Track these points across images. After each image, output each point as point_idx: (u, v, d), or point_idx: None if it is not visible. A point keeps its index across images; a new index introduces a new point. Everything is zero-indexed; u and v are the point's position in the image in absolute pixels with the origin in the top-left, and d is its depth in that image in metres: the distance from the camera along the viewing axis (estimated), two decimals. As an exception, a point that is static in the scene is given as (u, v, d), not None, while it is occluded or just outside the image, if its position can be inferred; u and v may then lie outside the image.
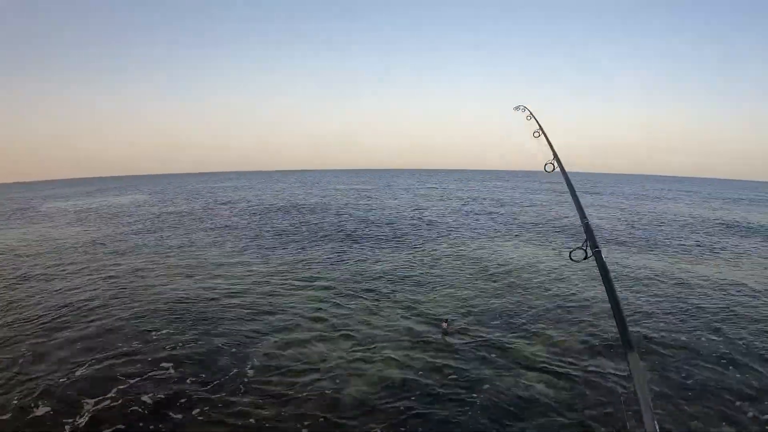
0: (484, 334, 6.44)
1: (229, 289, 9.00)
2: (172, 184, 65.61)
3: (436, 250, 12.74)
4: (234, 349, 6.09)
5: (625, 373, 5.07)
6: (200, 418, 4.48)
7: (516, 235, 15.36)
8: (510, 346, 6.04)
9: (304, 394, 4.87)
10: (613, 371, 5.29)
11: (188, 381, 5.21)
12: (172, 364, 5.63)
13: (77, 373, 5.34)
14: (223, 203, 29.61)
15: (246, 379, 5.22)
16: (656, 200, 33.35)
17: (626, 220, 19.77)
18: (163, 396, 4.85)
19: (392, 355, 5.77)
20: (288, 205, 26.60)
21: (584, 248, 2.01)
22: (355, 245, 13.44)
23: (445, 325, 6.48)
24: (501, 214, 21.64)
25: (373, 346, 6.11)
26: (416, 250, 12.76)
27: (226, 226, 18.18)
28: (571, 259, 2.06)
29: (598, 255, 1.95)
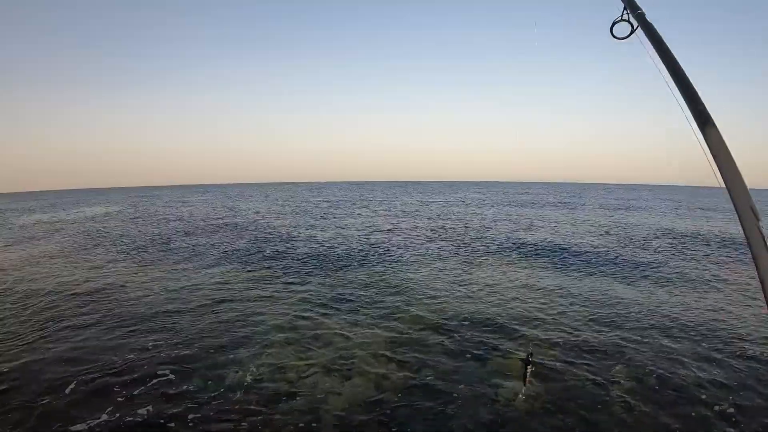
0: (462, 343, 6.42)
1: (202, 303, 8.74)
2: (146, 196, 64.13)
3: (408, 263, 12.69)
4: (209, 365, 5.88)
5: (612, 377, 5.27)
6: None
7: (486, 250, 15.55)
8: (490, 355, 6.01)
9: (282, 411, 4.74)
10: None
11: (158, 400, 4.97)
12: (140, 384, 5.38)
13: (66, 391, 5.19)
14: (194, 216, 28.99)
15: (221, 398, 5.02)
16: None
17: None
18: (130, 418, 4.62)
19: (371, 370, 5.67)
20: (258, 219, 26.15)
21: (626, 18, 1.62)
22: (327, 258, 13.33)
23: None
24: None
25: (351, 359, 6.00)
26: (388, 262, 12.70)
27: (197, 239, 17.73)
28: (613, 35, 1.74)
29: (641, 19, 1.54)
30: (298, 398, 5.01)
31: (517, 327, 7.13)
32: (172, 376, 5.54)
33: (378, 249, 14.86)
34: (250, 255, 13.98)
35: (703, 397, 4.99)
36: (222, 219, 26.54)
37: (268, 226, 21.90)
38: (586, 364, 5.81)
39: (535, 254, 13.93)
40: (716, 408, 4.75)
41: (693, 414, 4.67)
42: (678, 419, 4.56)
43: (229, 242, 16.79)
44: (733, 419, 4.56)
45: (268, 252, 14.49)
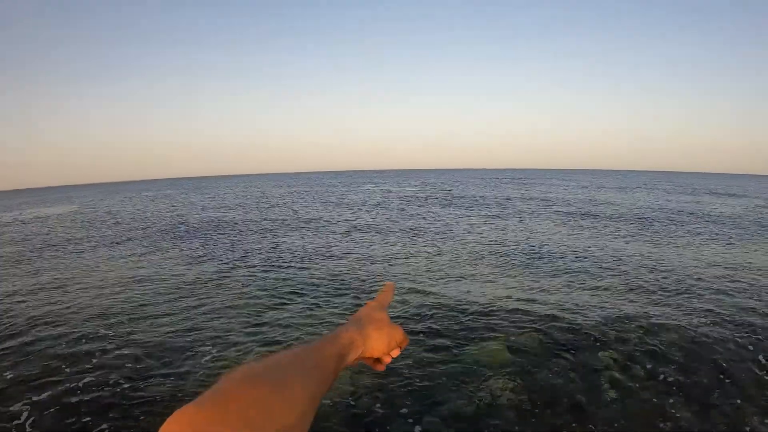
0: (437, 335, 6.16)
1: (157, 301, 8.22)
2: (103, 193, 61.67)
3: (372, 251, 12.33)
4: (166, 364, 5.51)
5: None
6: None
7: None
8: (468, 345, 5.78)
9: None
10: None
11: (114, 404, 4.61)
12: (97, 383, 5.05)
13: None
14: (150, 212, 27.51)
15: (178, 403, 4.51)
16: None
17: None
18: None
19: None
20: (215, 214, 25.05)
21: None
22: (287, 251, 12.80)
23: None
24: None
25: None
26: (357, 252, 12.28)
27: (148, 236, 16.82)
28: None
29: None
30: None
31: (493, 316, 6.94)
32: (124, 384, 5.06)
33: (339, 237, 14.40)
34: (203, 251, 13.28)
35: (693, 379, 4.89)
36: (176, 215, 25.29)
37: (225, 221, 20.99)
38: (570, 351, 5.68)
39: (501, 244, 13.74)
40: (704, 394, 4.64)
41: (680, 398, 4.54)
42: (664, 405, 4.44)
43: (181, 239, 15.96)
44: (723, 407, 4.43)
45: (222, 247, 13.85)
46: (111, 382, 5.14)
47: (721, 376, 4.99)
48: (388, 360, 0.73)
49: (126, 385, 5.05)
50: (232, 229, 18.04)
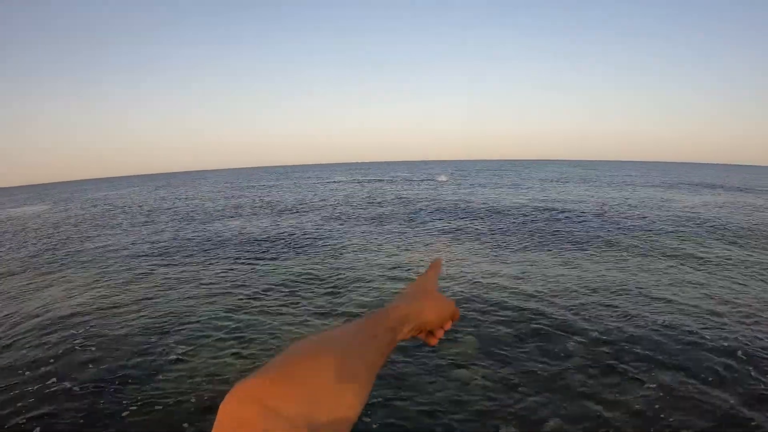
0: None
1: (131, 299, 8.06)
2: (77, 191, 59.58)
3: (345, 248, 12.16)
4: (138, 366, 5.40)
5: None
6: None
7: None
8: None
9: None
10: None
11: (87, 403, 4.54)
12: (69, 383, 4.96)
13: None
14: (119, 210, 26.60)
15: (152, 406, 4.51)
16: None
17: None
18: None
19: None
20: (191, 209, 24.60)
21: None
22: (264, 247, 12.55)
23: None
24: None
25: None
26: (332, 249, 12.05)
27: (119, 235, 16.32)
28: None
29: None
30: None
31: (464, 306, 6.90)
32: (92, 387, 4.93)
33: (313, 233, 14.25)
34: (173, 248, 12.96)
35: (659, 367, 4.94)
36: (147, 210, 24.73)
37: (200, 218, 20.41)
38: (538, 341, 5.72)
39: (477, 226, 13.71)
40: (670, 384, 4.69)
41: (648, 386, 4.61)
42: (631, 392, 4.49)
43: (147, 236, 15.54)
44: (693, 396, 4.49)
45: (194, 244, 13.56)
46: (72, 388, 5.04)
47: (693, 367, 5.01)
48: (440, 334, 0.73)
49: (83, 391, 4.96)
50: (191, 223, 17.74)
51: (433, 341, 0.74)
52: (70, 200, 40.36)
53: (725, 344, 5.48)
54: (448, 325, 0.74)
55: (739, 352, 5.23)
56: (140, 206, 27.64)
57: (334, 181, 46.20)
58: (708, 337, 5.71)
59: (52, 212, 28.85)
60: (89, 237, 16.27)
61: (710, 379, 4.70)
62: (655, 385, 4.59)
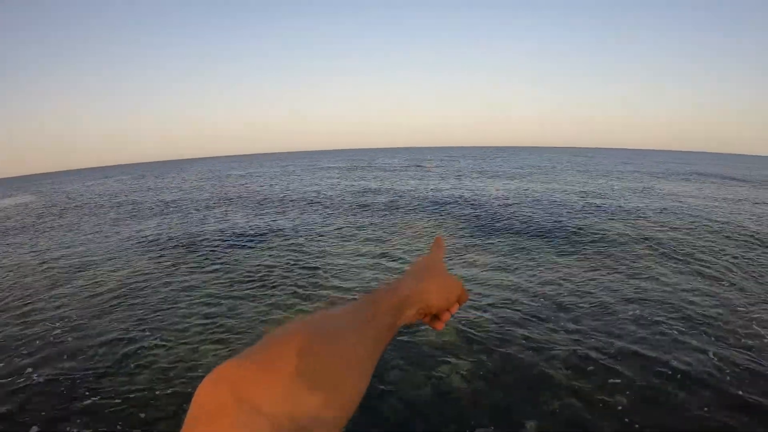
0: None
1: (109, 288, 8.00)
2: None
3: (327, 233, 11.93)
4: (114, 357, 5.32)
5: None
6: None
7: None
8: (421, 331, 5.56)
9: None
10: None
11: (62, 396, 4.49)
12: (43, 377, 4.93)
13: None
14: (100, 200, 26.04)
15: (123, 405, 4.40)
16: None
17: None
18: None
19: None
20: (175, 197, 24.07)
21: None
22: (246, 235, 12.32)
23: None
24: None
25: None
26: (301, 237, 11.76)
27: (101, 225, 16.06)
28: None
29: None
30: None
31: None
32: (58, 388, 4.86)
33: (286, 224, 13.93)
34: (152, 237, 12.74)
35: (642, 363, 4.80)
36: (128, 201, 24.04)
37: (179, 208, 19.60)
38: (524, 334, 5.53)
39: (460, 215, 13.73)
40: (653, 380, 4.56)
41: (633, 382, 4.48)
42: (615, 389, 4.36)
43: (127, 227, 15.18)
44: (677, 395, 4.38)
45: (171, 236, 13.13)
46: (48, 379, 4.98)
47: (679, 367, 4.83)
48: (447, 317, 0.66)
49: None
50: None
51: (440, 326, 0.66)
52: (55, 192, 39.20)
53: (698, 342, 5.31)
54: (455, 308, 0.67)
55: (711, 353, 5.03)
56: (124, 196, 26.92)
57: (321, 168, 45.70)
58: (683, 334, 5.56)
59: (36, 203, 28.38)
60: (70, 227, 16.04)
61: (682, 377, 4.57)
62: (639, 384, 4.45)
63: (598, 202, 16.20)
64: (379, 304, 0.52)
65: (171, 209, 19.36)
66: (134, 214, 18.73)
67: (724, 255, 8.92)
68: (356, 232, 12.05)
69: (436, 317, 0.66)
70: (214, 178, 39.43)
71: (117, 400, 4.48)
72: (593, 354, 5.02)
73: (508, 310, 6.28)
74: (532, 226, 11.94)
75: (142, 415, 4.21)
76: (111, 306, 7.19)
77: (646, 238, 10.29)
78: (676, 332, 5.51)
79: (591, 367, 4.76)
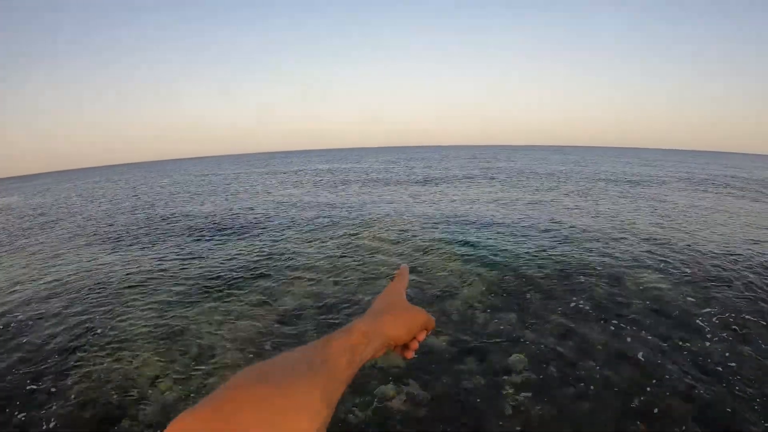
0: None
1: (55, 291, 7.92)
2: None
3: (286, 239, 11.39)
4: (49, 369, 5.16)
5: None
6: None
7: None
8: None
9: (125, 427, 4.12)
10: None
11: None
12: None
13: None
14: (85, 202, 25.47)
15: (57, 414, 4.31)
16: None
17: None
18: None
19: (234, 372, 4.97)
20: (139, 202, 23.02)
21: None
22: (201, 239, 11.93)
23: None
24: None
25: (214, 359, 5.27)
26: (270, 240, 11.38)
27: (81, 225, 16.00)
28: None
29: None
30: (146, 408, 4.37)
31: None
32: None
33: (248, 221, 13.65)
34: (122, 237, 12.67)
35: (613, 390, 4.38)
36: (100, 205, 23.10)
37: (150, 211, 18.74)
38: (477, 353, 5.14)
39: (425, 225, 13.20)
40: (622, 403, 4.18)
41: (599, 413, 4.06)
42: (576, 417, 4.01)
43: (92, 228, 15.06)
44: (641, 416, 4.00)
45: (145, 232, 13.12)
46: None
47: (641, 376, 4.57)
48: (415, 346, 0.69)
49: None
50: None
51: (409, 354, 0.70)
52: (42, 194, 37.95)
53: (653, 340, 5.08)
54: (423, 336, 0.70)
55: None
56: (108, 198, 26.36)
57: (298, 170, 43.98)
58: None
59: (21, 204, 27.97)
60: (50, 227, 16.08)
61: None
62: (599, 412, 4.03)
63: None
64: (332, 346, 0.54)
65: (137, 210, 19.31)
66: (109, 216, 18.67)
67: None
68: (324, 233, 11.75)
69: (405, 347, 0.68)
70: (195, 179, 38.09)
71: (51, 407, 4.46)
72: (548, 382, 4.60)
73: (460, 333, 5.82)
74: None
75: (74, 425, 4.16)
76: (64, 310, 7.14)
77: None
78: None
79: (550, 387, 4.35)
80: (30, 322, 6.73)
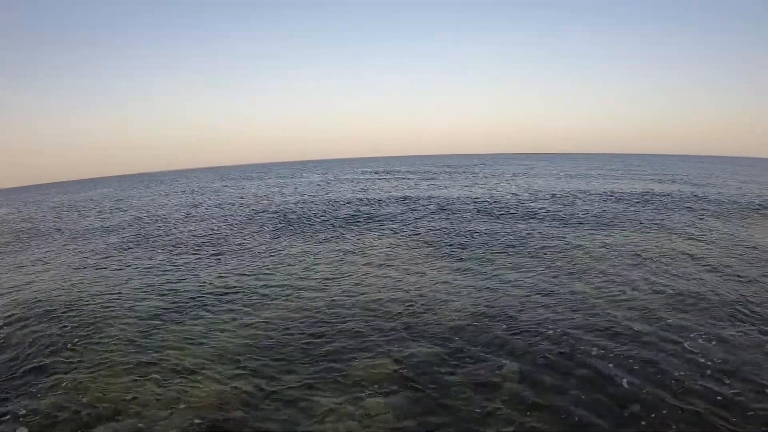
0: (322, 347, 5.54)
1: (38, 303, 7.84)
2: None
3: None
4: (26, 383, 5.04)
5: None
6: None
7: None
8: (352, 361, 5.16)
9: None
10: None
11: None
12: None
13: None
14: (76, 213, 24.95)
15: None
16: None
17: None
18: None
19: (215, 384, 4.82)
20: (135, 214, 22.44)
21: None
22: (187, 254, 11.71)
23: None
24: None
25: (194, 370, 5.14)
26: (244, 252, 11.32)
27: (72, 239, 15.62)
28: None
29: None
30: (122, 421, 4.25)
31: (383, 326, 6.13)
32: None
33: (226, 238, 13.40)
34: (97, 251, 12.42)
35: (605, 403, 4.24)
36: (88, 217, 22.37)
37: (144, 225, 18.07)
38: (466, 365, 4.98)
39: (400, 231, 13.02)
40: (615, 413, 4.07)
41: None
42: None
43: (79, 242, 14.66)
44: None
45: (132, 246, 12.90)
46: None
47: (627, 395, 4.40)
48: None
49: None
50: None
51: None
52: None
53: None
54: None
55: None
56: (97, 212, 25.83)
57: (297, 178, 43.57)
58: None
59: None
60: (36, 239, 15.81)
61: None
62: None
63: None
64: None
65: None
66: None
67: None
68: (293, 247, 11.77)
69: None
70: (184, 193, 35.62)
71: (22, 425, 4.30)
72: (545, 385, 4.47)
73: (450, 337, 5.75)
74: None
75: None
76: (30, 331, 6.82)
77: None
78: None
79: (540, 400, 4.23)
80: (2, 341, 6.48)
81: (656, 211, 15.42)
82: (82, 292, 8.67)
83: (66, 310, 7.61)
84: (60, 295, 8.56)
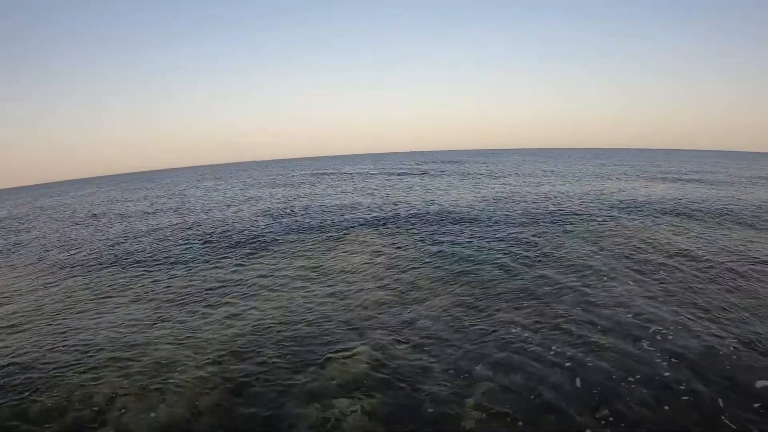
0: (296, 348, 5.48)
1: (24, 309, 7.82)
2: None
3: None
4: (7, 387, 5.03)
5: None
6: None
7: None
8: (326, 362, 5.09)
9: None
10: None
11: None
12: None
13: None
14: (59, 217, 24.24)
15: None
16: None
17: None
18: None
19: (193, 386, 4.82)
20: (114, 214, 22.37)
21: None
22: (163, 251, 11.70)
23: None
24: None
25: (173, 373, 5.12)
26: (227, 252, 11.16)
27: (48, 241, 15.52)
28: None
29: None
30: (105, 426, 4.27)
31: (358, 327, 6.02)
32: None
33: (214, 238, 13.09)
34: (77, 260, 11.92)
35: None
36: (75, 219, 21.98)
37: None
38: (438, 369, 4.88)
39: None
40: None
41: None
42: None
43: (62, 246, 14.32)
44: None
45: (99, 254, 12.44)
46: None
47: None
48: None
49: None
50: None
51: None
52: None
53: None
54: None
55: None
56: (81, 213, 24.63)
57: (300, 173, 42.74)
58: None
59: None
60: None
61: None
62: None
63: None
64: None
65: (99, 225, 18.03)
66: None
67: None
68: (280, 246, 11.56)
69: None
70: (164, 196, 33.28)
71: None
72: (517, 387, 4.43)
73: (424, 340, 5.63)
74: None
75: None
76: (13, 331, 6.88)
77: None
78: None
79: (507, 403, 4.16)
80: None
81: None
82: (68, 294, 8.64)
83: (52, 312, 7.59)
84: (47, 297, 8.42)
